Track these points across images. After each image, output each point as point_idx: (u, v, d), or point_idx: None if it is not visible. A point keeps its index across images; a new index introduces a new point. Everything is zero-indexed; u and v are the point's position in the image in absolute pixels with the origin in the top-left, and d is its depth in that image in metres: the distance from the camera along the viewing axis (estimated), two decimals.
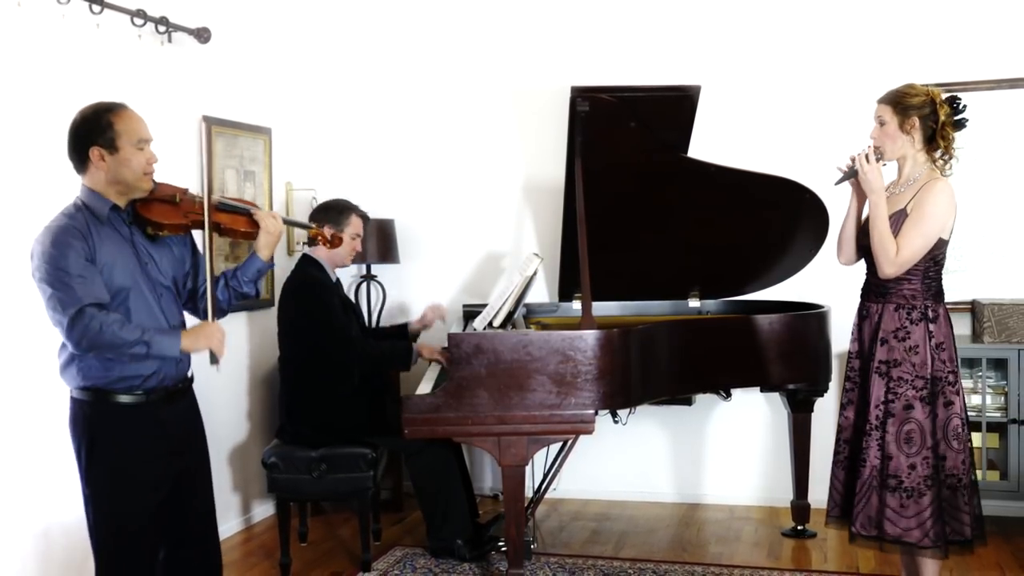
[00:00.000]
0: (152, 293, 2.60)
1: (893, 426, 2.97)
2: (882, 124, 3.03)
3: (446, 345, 3.43)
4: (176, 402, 2.66)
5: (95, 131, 2.51)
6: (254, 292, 2.88)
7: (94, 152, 2.51)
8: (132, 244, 2.60)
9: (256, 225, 2.77)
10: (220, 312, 2.80)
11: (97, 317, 2.42)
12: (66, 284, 2.42)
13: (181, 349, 2.56)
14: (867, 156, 3.00)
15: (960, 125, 3.01)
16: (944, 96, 3.01)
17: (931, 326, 2.97)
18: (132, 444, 2.56)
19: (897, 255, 2.93)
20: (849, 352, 3.20)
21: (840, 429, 3.19)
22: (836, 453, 3.21)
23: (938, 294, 3.03)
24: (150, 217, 2.61)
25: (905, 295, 3.00)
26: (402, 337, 4.21)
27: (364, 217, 4.08)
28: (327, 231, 3.22)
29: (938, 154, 3.02)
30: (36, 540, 3.38)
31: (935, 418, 2.96)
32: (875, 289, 3.09)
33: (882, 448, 2.99)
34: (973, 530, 3.00)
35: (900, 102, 2.99)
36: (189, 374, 2.74)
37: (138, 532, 2.58)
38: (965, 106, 3.01)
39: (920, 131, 2.99)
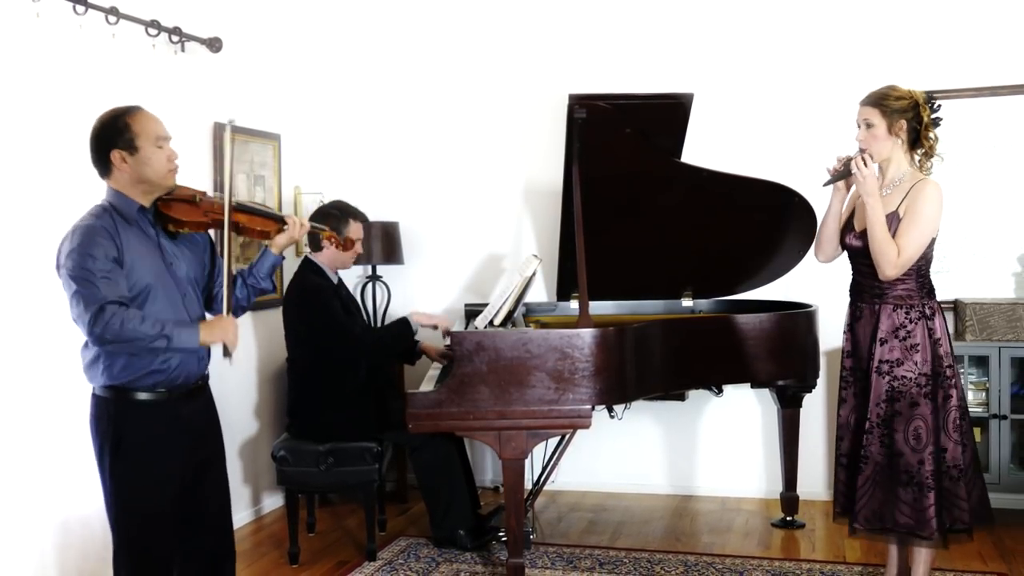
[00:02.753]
0: (177, 291, 2.67)
1: (900, 424, 3.01)
2: (869, 127, 3.04)
3: (447, 343, 3.52)
4: (195, 398, 2.74)
5: (113, 135, 2.57)
6: (271, 287, 2.97)
7: (115, 155, 2.57)
8: (158, 244, 2.68)
9: (271, 225, 2.88)
10: (241, 309, 2.90)
11: (118, 313, 2.45)
12: (91, 282, 2.46)
13: (200, 341, 2.60)
14: (865, 161, 3.00)
15: (935, 123, 3.05)
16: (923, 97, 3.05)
17: (929, 323, 3.02)
18: (155, 439, 2.62)
19: (899, 257, 2.96)
20: (843, 351, 3.24)
21: (838, 427, 3.25)
22: (836, 451, 3.26)
23: (931, 291, 3.08)
24: (171, 215, 2.68)
25: (901, 295, 3.04)
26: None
27: (364, 220, 4.13)
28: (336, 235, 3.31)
29: (919, 153, 3.07)
30: (55, 531, 3.45)
31: (937, 413, 3.00)
32: (869, 290, 3.11)
33: (888, 446, 3.02)
34: (974, 516, 3.06)
35: (887, 105, 3.01)
36: (207, 372, 2.83)
37: (160, 525, 2.64)
38: (940, 105, 3.06)
39: (906, 133, 3.03)
